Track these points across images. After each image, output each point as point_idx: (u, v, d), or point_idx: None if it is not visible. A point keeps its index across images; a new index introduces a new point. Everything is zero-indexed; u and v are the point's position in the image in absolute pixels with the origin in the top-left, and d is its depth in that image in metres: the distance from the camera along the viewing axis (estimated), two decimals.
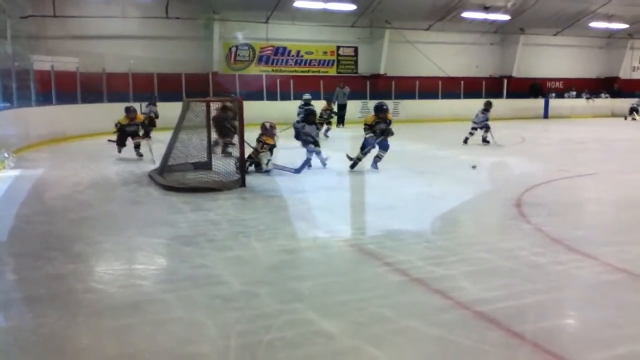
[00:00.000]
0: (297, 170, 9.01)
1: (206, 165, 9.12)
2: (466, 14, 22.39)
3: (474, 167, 9.50)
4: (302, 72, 22.93)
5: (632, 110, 23.73)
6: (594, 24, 24.70)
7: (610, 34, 26.62)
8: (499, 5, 22.27)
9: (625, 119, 23.35)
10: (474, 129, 13.96)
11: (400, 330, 3.36)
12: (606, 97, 26.54)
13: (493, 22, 23.75)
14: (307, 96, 15.95)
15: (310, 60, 23.24)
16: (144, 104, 15.81)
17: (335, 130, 17.43)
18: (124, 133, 11.63)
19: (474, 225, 6.17)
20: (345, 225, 5.99)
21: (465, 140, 13.89)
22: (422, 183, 8.66)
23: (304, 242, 5.44)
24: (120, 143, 11.70)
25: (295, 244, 5.33)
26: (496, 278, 4.27)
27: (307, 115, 10.47)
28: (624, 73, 27.94)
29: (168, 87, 18.74)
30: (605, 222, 6.51)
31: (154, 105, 15.68)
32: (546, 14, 23.18)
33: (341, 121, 20.18)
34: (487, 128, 13.81)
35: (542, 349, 3.11)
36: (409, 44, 23.52)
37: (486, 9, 22.14)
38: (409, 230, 5.77)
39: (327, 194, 7.80)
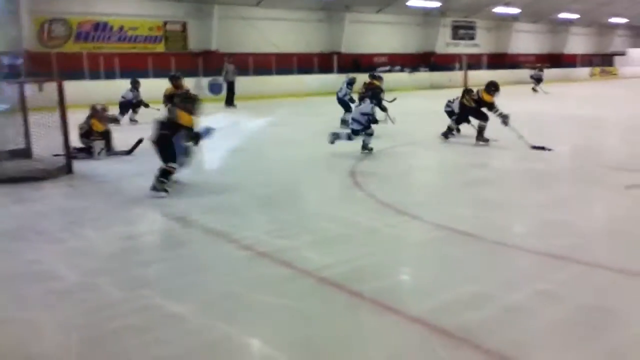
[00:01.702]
0: (129, 152, 8.62)
1: (25, 153, 8.30)
2: None
3: (549, 149, 8.75)
4: (128, 49, 21.62)
5: (534, 78, 24.13)
6: (411, 3, 26.58)
7: (426, 12, 28.84)
8: None
9: (534, 90, 23.60)
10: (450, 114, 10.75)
11: (251, 305, 3.43)
12: (425, 71, 28.80)
13: None
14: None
15: (136, 37, 21.97)
16: None
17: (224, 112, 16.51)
18: None
19: (314, 196, 6.42)
20: (187, 206, 5.88)
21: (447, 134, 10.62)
22: (263, 160, 8.77)
23: (144, 227, 5.26)
24: None
25: (134, 230, 5.13)
26: (336, 245, 4.52)
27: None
28: (439, 48, 30.57)
29: None
30: (428, 186, 7.17)
31: None
32: None
33: (231, 102, 18.64)
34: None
35: (380, 304, 3.38)
36: (242, 20, 23.38)
37: None
38: (252, 205, 5.85)
39: None
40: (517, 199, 6.08)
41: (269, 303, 3.45)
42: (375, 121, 8.87)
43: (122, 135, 9.74)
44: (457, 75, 27.46)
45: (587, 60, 37.81)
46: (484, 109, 9.61)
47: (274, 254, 4.26)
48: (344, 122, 12.08)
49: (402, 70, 27.73)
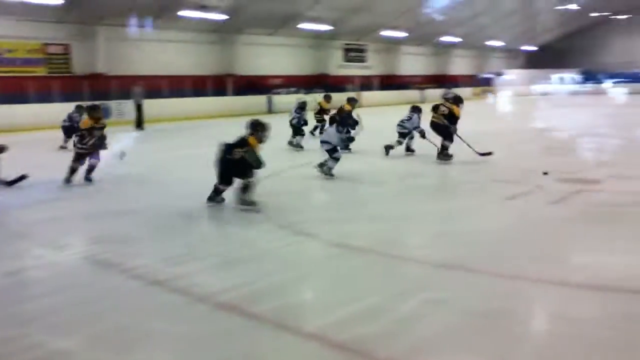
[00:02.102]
0: (10, 183, 8.02)
1: None
2: (183, 13, 22.36)
3: (545, 173, 8.22)
4: (4, 72, 20.15)
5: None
6: (303, 26, 27.15)
7: (318, 35, 29.56)
8: (214, 4, 22.84)
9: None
10: (404, 135, 10.73)
11: (145, 336, 3.33)
12: (320, 92, 29.36)
13: (212, 21, 24.31)
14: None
15: (15, 60, 20.58)
16: None
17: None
18: None
19: (209, 220, 6.34)
20: (76, 237, 5.60)
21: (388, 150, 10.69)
22: (156, 184, 8.53)
23: (29, 261, 4.94)
24: None
25: (18, 265, 4.80)
26: (232, 268, 4.50)
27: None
28: (333, 70, 31.41)
29: None
30: (325, 205, 7.33)
31: None
32: (260, 15, 24.70)
33: (140, 124, 18.41)
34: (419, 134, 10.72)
35: (277, 324, 3.41)
36: (130, 42, 22.70)
37: (202, 7, 22.48)
38: (145, 232, 5.68)
39: (50, 206, 7.06)
40: (410, 213, 6.36)
41: (163, 332, 3.37)
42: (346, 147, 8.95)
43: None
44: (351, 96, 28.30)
45: (469, 80, 40.39)
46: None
47: (168, 281, 4.16)
48: (290, 144, 12.12)
49: (297, 92, 28.14)
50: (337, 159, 8.50)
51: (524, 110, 24.69)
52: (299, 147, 12.00)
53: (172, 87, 23.23)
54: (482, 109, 27.40)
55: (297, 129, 12.16)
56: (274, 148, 11.55)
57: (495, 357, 3.03)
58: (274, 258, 4.76)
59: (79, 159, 8.29)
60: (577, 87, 39.86)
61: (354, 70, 32.62)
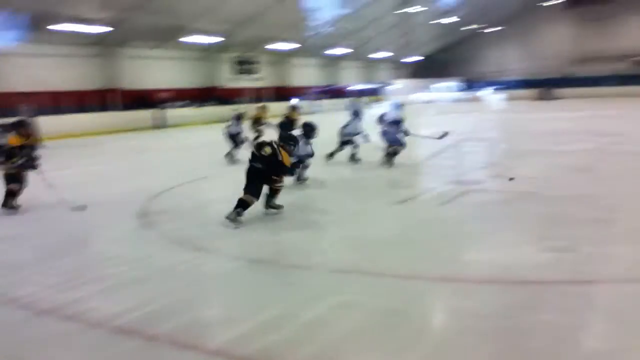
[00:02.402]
0: None
1: None
2: (59, 27, 20.98)
3: (511, 179, 8.27)
4: None
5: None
6: (191, 38, 26.66)
7: (208, 47, 29.15)
8: (95, 18, 21.82)
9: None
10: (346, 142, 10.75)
11: None
12: (212, 105, 29.01)
13: (93, 34, 23.17)
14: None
15: None
16: None
17: None
18: None
19: (101, 241, 6.00)
20: None
21: (332, 155, 10.81)
22: (42, 207, 7.95)
23: None
24: None
25: None
26: (128, 290, 4.28)
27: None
28: (224, 82, 31.10)
29: None
30: (223, 218, 7.17)
31: None
32: (145, 28, 23.91)
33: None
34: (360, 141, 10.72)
35: (178, 343, 3.29)
36: (3, 57, 21.12)
37: (81, 21, 21.32)
38: (30, 258, 5.26)
39: None
40: (311, 220, 6.41)
41: None
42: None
43: None
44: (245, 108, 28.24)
45: (360, 90, 41.65)
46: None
47: (58, 309, 3.88)
48: (228, 155, 11.71)
49: (188, 105, 27.59)
50: (306, 167, 8.63)
51: (410, 118, 25.83)
52: (233, 158, 11.68)
53: (53, 104, 21.87)
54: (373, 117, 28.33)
55: (237, 141, 11.89)
56: (166, 161, 11.27)
57: (399, 353, 3.13)
58: (173, 276, 4.59)
59: (13, 179, 7.51)
60: (459, 95, 42.35)
61: (245, 82, 32.50)
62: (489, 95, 38.59)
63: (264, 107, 14.48)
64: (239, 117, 12.22)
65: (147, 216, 6.80)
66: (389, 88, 43.93)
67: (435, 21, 38.79)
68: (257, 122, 14.00)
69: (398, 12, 33.88)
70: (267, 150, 6.41)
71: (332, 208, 7.03)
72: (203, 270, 4.79)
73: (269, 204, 6.68)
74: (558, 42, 43.34)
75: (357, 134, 10.61)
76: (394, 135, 10.06)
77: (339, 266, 4.63)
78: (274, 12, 26.69)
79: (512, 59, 45.37)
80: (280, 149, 6.46)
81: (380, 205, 7.06)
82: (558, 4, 39.17)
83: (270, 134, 13.39)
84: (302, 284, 4.34)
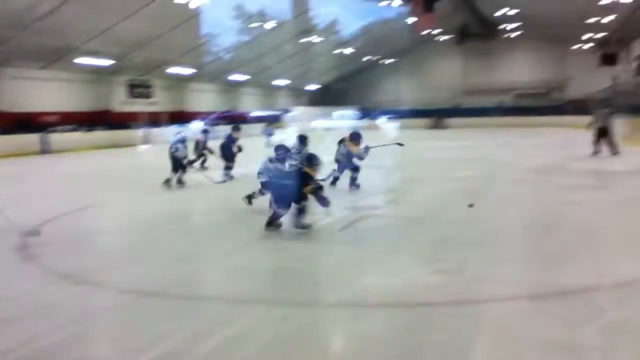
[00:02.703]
0: None
1: None
2: None
3: (471, 205, 8.13)
4: None
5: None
6: (81, 60, 25.50)
7: (100, 70, 28.01)
8: None
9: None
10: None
11: None
12: (104, 129, 27.73)
13: None
14: None
15: None
16: None
17: None
18: None
19: None
20: None
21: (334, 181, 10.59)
22: None
23: None
24: None
25: None
26: (3, 329, 3.90)
27: None
28: (116, 106, 29.91)
29: None
30: (114, 248, 6.79)
31: None
32: (29, 47, 22.53)
33: None
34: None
35: None
36: None
37: None
38: None
39: None
40: (200, 250, 6.23)
41: None
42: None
43: None
44: (138, 134, 27.38)
45: (259, 117, 41.70)
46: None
47: None
48: (167, 182, 10.98)
49: (76, 130, 26.12)
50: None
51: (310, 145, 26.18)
52: (174, 183, 11.10)
53: None
54: (272, 143, 28.39)
55: (179, 163, 11.20)
56: (50, 188, 10.64)
57: None
58: (54, 313, 4.24)
59: None
60: (355, 123, 43.62)
61: (139, 106, 31.49)
62: (384, 124, 40.07)
63: (206, 132, 14.52)
64: (183, 140, 11.67)
65: (26, 249, 6.27)
66: (289, 115, 44.39)
67: (333, 51, 39.91)
68: (199, 145, 14.02)
69: (297, 41, 34.46)
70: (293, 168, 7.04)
71: (228, 235, 6.89)
72: (89, 306, 4.47)
73: (297, 222, 6.77)
74: (449, 75, 46.14)
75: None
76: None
77: (232, 296, 4.51)
78: (170, 36, 26.17)
79: (406, 89, 47.63)
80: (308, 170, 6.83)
81: (277, 232, 7.01)
82: (449, 38, 41.73)
83: (212, 158, 13.29)
84: (192, 316, 4.16)
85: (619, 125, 17.11)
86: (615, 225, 6.81)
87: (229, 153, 12.29)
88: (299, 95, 50.44)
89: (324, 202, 6.87)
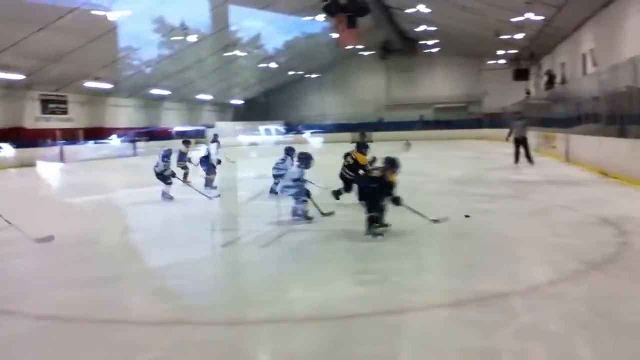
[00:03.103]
0: None
1: None
2: None
3: (467, 216, 8.17)
4: None
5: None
6: None
7: (9, 84, 26.55)
8: None
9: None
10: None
11: None
12: (15, 148, 26.14)
13: None
14: None
15: None
16: None
17: None
18: None
19: None
20: None
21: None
22: None
23: None
24: None
25: None
26: None
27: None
28: (29, 123, 28.41)
29: None
30: (25, 272, 6.39)
31: None
32: None
33: None
34: None
35: None
36: None
37: None
38: None
39: None
40: (125, 271, 5.98)
41: None
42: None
43: None
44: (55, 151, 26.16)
45: (181, 133, 40.90)
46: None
47: None
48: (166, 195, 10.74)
49: None
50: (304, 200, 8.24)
51: (235, 159, 25.93)
52: (168, 197, 10.85)
53: None
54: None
55: (167, 179, 10.93)
56: None
57: None
58: None
59: None
60: (281, 138, 43.69)
61: (54, 122, 30.09)
62: (309, 138, 40.38)
63: (187, 142, 14.37)
64: (166, 155, 11.38)
65: None
66: (213, 130, 43.88)
67: (257, 66, 39.87)
68: (182, 157, 13.62)
69: (220, 55, 34.14)
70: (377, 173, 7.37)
71: (151, 256, 6.66)
72: (1, 335, 4.16)
73: (371, 229, 6.93)
74: (373, 89, 47.22)
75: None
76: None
77: (159, 318, 4.35)
78: (86, 51, 25.11)
79: (331, 104, 48.25)
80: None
81: (203, 250, 6.87)
82: (373, 54, 42.75)
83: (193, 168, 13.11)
84: (112, 341, 3.97)
85: (532, 137, 18.07)
86: (527, 233, 7.13)
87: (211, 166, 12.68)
88: (223, 110, 49.95)
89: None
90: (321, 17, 28.05)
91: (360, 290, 4.90)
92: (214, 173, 12.69)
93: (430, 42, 37.71)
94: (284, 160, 10.60)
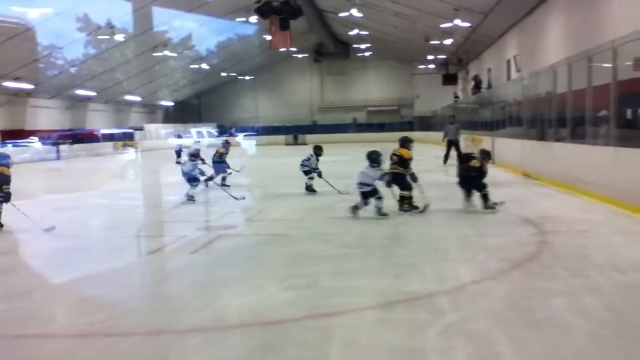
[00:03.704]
0: None
1: None
2: None
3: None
4: None
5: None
6: None
7: None
8: None
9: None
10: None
11: None
12: None
13: None
14: None
15: None
16: None
17: None
18: None
19: None
20: None
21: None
22: None
23: None
24: None
25: None
26: None
27: None
28: None
29: None
30: None
31: None
32: None
33: None
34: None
35: None
36: None
37: None
38: None
39: None
40: (45, 283, 5.70)
41: None
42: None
43: None
44: None
45: (109, 135, 39.59)
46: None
47: None
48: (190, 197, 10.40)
49: None
50: (381, 198, 8.47)
51: (164, 164, 25.33)
52: (191, 199, 10.51)
53: None
54: (124, 163, 27.10)
55: (195, 179, 10.63)
56: None
57: None
58: None
59: None
60: (213, 140, 43.10)
61: None
62: (242, 141, 40.09)
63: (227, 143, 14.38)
64: (196, 154, 11.13)
65: None
66: (142, 132, 42.76)
67: (187, 67, 39.18)
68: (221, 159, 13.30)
69: (149, 55, 33.25)
70: (476, 163, 8.75)
71: (71, 266, 6.37)
72: None
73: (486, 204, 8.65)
74: (306, 92, 47.45)
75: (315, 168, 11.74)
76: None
77: (74, 331, 4.16)
78: (5, 48, 23.81)
79: (264, 106, 48.12)
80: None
81: (129, 258, 6.65)
82: (306, 56, 42.91)
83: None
84: (30, 357, 3.77)
85: (460, 140, 18.67)
86: (455, 233, 7.34)
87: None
88: (153, 112, 48.71)
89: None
90: (254, 19, 27.89)
91: (291, 294, 4.88)
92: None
93: (363, 46, 38.30)
94: (309, 158, 11.70)
